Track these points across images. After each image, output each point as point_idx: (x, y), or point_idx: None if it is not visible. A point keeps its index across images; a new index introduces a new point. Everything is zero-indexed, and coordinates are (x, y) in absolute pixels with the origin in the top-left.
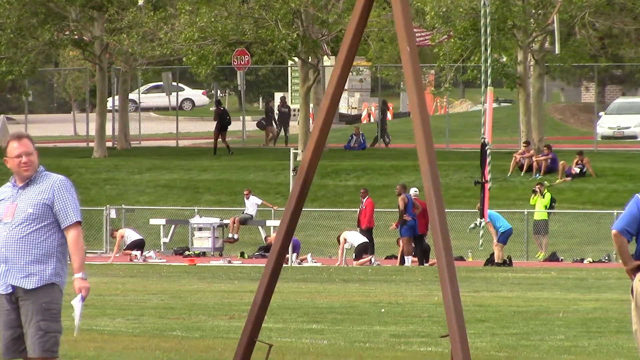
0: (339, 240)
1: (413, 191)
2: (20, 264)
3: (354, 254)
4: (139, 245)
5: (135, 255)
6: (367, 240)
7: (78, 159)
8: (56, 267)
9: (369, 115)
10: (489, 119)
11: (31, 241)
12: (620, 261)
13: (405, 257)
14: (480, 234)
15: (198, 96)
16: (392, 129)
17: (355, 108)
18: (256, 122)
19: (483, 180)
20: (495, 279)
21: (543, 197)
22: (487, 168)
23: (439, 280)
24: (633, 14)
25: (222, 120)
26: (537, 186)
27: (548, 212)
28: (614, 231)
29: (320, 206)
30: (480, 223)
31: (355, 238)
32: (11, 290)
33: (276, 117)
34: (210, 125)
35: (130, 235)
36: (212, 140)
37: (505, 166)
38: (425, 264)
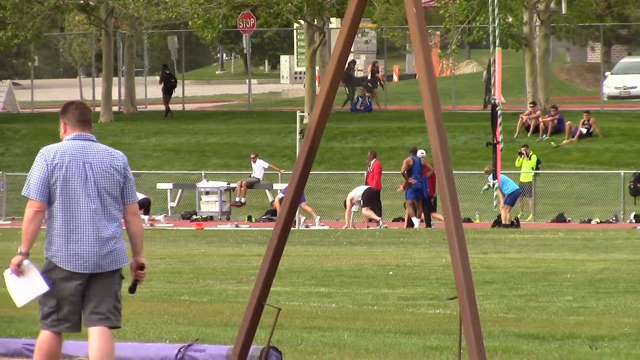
0: (345, 204)
1: (420, 153)
2: None
3: (361, 202)
4: (144, 205)
5: (143, 219)
6: (371, 187)
7: None
8: (46, 241)
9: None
10: (498, 80)
11: None
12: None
13: (413, 219)
14: (494, 195)
15: None
16: (397, 91)
17: (362, 70)
18: (363, 84)
19: (495, 141)
20: (503, 241)
21: (529, 159)
22: (499, 129)
23: (447, 242)
24: None
25: (167, 83)
26: (522, 148)
27: (534, 174)
28: None
29: (327, 169)
30: (493, 184)
31: (357, 191)
32: None
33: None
34: (216, 89)
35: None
36: (218, 103)
37: (511, 127)
38: (432, 226)
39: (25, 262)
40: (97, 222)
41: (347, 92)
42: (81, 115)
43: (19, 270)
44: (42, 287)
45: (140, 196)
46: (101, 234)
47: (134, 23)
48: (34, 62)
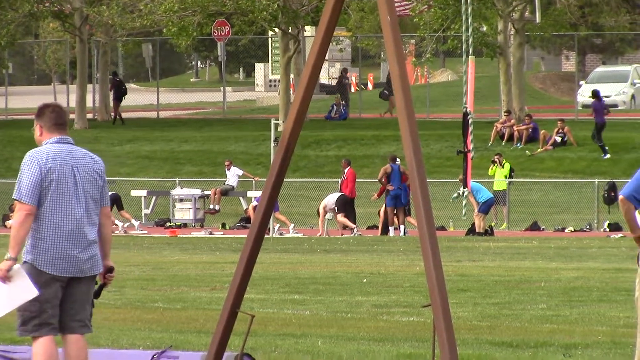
0: (318, 212)
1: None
2: None
3: (335, 208)
4: (116, 200)
5: (117, 226)
6: (344, 194)
7: None
8: (27, 244)
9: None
10: (470, 88)
11: None
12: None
13: (390, 227)
14: (464, 204)
15: None
16: (372, 99)
17: (336, 78)
18: (380, 92)
19: (465, 149)
20: (477, 249)
21: (502, 167)
22: (470, 137)
23: (421, 250)
24: None
25: (118, 90)
26: (495, 156)
27: (508, 182)
28: (621, 197)
29: (301, 177)
30: (463, 193)
31: (331, 198)
32: None
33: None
34: (191, 97)
35: None
36: (192, 111)
37: (486, 135)
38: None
39: (16, 266)
40: (84, 226)
41: (342, 102)
42: (57, 118)
43: (7, 276)
44: (32, 292)
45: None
46: (87, 238)
47: (109, 30)
48: (8, 69)
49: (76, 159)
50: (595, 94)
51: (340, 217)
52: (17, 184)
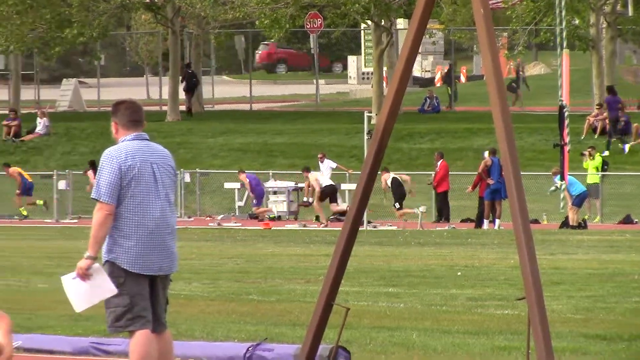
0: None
1: (485, 154)
2: None
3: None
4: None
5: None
6: (334, 184)
7: (151, 123)
8: (108, 243)
9: (442, 78)
10: (566, 81)
11: None
12: None
13: (485, 220)
14: (561, 196)
15: None
16: (465, 92)
17: (429, 71)
18: (507, 84)
19: (562, 142)
20: (571, 242)
21: (593, 159)
22: (566, 130)
23: (515, 243)
24: None
25: (189, 82)
26: (587, 149)
27: (600, 176)
28: None
29: (394, 169)
30: (560, 185)
31: (323, 180)
32: None
33: None
34: (284, 89)
35: None
36: (285, 103)
37: (579, 129)
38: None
39: (95, 265)
40: (164, 224)
41: (449, 93)
42: (133, 114)
43: (87, 274)
44: (110, 289)
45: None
46: (167, 237)
47: (201, 22)
48: (100, 60)
49: (154, 155)
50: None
51: (335, 209)
52: (95, 183)
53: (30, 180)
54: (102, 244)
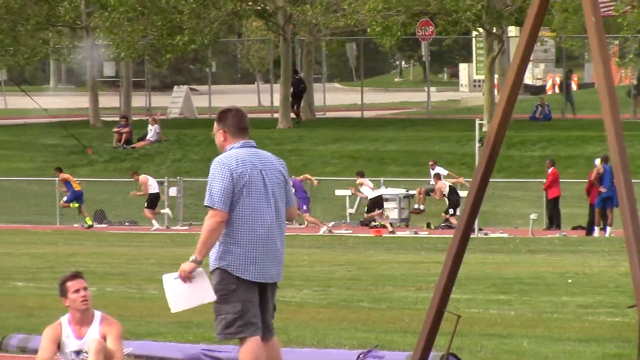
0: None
1: (596, 162)
2: None
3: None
4: (154, 200)
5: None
6: (380, 195)
7: (262, 130)
8: (218, 250)
9: (553, 85)
10: None
11: None
12: None
13: (595, 228)
14: None
15: None
16: (577, 100)
17: (540, 79)
18: (627, 91)
19: None
20: None
21: None
22: None
23: (626, 251)
24: None
25: (297, 88)
26: None
27: None
28: None
29: (505, 177)
30: None
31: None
32: None
33: None
34: (395, 96)
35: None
36: (396, 111)
37: None
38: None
39: (199, 269)
40: (274, 231)
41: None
42: (240, 122)
43: (189, 277)
44: (210, 296)
45: (155, 190)
46: (277, 244)
47: (312, 30)
48: (211, 67)
49: (263, 163)
50: None
51: (367, 216)
52: (208, 191)
53: (78, 188)
54: (210, 250)
